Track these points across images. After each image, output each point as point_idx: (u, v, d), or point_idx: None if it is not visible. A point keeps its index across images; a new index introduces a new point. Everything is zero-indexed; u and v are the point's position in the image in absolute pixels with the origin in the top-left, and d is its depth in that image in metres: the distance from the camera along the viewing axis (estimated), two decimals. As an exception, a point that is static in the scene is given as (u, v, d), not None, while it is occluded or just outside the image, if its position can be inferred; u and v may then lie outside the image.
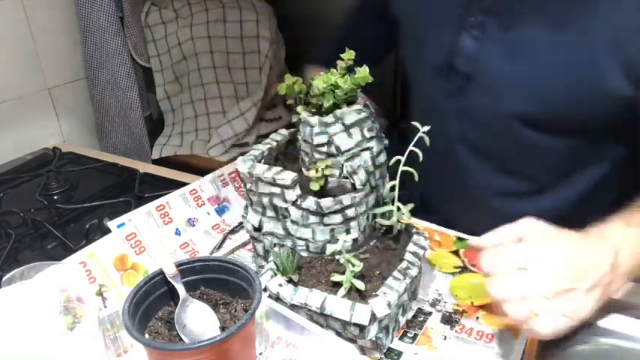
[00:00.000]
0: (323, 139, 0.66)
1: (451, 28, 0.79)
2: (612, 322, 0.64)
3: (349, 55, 0.67)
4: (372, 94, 0.79)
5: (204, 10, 1.47)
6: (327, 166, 0.65)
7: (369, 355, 0.63)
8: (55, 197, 1.06)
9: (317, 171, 0.65)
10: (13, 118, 1.24)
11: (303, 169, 0.72)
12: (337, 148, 0.66)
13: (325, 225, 0.66)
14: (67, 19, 1.31)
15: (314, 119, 0.66)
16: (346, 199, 0.65)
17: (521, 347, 0.63)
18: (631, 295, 0.66)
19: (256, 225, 0.71)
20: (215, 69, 1.51)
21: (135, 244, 0.77)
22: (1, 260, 0.83)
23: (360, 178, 0.66)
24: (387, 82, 1.49)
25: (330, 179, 0.68)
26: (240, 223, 0.89)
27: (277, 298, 0.64)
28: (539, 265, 0.55)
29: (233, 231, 0.89)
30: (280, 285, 0.63)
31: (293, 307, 0.63)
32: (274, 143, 0.76)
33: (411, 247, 0.67)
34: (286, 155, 0.79)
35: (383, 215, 0.71)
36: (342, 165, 0.67)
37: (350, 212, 0.66)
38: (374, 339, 0.61)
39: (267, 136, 0.80)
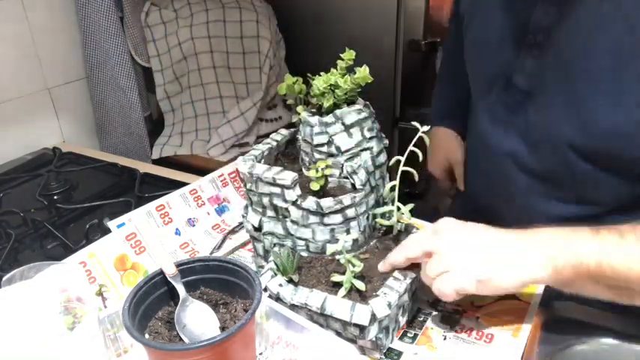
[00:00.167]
0: (323, 139, 0.66)
1: (512, 43, 0.76)
2: (612, 322, 0.64)
3: (349, 55, 0.67)
4: (372, 94, 0.78)
5: (204, 10, 1.47)
6: (327, 166, 0.65)
7: (369, 355, 0.63)
8: (55, 197, 1.06)
9: (317, 171, 0.65)
10: (13, 118, 1.24)
11: (303, 169, 0.72)
12: (337, 148, 0.66)
13: (325, 225, 0.66)
14: (67, 19, 1.31)
15: (314, 119, 0.66)
16: (346, 199, 0.65)
17: (521, 347, 0.63)
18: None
19: (256, 225, 0.71)
20: (215, 69, 1.51)
21: (135, 244, 0.77)
22: (1, 260, 0.83)
23: (360, 178, 0.66)
24: (387, 82, 1.49)
25: (330, 179, 0.68)
26: (240, 223, 0.89)
27: (277, 298, 0.64)
28: (448, 247, 0.62)
29: (233, 231, 0.89)
30: (280, 285, 0.63)
31: (293, 307, 0.63)
32: (274, 143, 0.76)
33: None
34: (286, 155, 0.79)
35: (383, 215, 0.71)
36: (342, 165, 0.67)
37: (350, 212, 0.66)
38: (374, 339, 0.61)
39: (267, 136, 0.80)
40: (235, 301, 0.62)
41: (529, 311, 0.69)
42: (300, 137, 0.71)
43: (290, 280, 0.65)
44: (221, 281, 0.63)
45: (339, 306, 0.59)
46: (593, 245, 0.57)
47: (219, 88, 1.53)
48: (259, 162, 0.71)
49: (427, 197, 1.50)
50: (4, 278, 0.59)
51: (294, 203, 0.66)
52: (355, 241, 0.68)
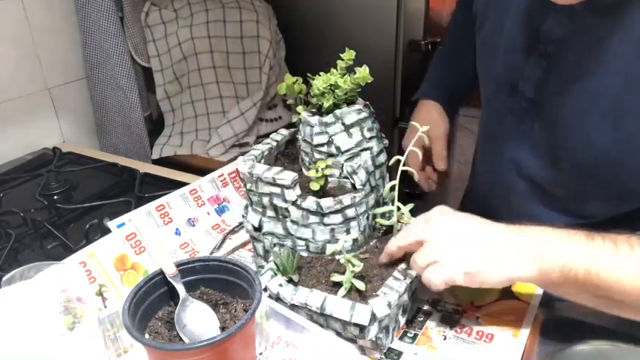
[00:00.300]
0: (323, 139, 0.66)
1: (521, 50, 0.75)
2: (612, 322, 0.64)
3: (349, 55, 0.67)
4: (372, 94, 0.78)
5: (204, 10, 1.47)
6: (327, 166, 0.65)
7: (369, 355, 0.63)
8: (55, 197, 1.06)
9: (317, 171, 0.65)
10: (13, 118, 1.24)
11: (303, 169, 0.72)
12: (337, 148, 0.66)
13: (325, 225, 0.66)
14: (67, 19, 1.31)
15: (314, 119, 0.66)
16: (346, 199, 0.65)
17: (521, 347, 0.63)
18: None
19: (256, 225, 0.71)
20: (215, 69, 1.51)
21: (135, 244, 0.77)
22: (1, 260, 0.83)
23: (360, 178, 0.66)
24: (387, 82, 1.49)
25: (330, 179, 0.68)
26: (240, 223, 0.89)
27: (277, 298, 0.64)
28: (440, 235, 0.62)
29: (233, 231, 0.89)
30: (280, 285, 0.63)
31: (293, 307, 0.63)
32: (274, 143, 0.76)
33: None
34: (286, 155, 0.79)
35: (383, 215, 0.71)
36: (342, 165, 0.67)
37: (350, 212, 0.66)
38: (374, 339, 0.61)
39: (267, 136, 0.80)
40: (235, 301, 0.62)
41: (529, 311, 0.69)
42: (300, 137, 0.71)
43: (290, 280, 0.65)
44: (221, 281, 0.63)
45: (338, 306, 0.59)
46: (584, 252, 0.57)
47: (219, 88, 1.53)
48: (259, 162, 0.71)
49: (427, 197, 1.50)
50: (4, 278, 0.59)
51: (294, 203, 0.66)
52: (355, 241, 0.68)
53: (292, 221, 0.67)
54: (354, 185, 0.67)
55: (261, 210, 0.70)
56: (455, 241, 0.61)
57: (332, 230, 0.67)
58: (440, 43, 1.48)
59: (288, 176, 0.65)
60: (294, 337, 0.61)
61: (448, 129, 1.00)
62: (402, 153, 0.65)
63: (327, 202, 0.64)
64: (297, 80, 0.71)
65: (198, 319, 0.60)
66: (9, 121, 1.24)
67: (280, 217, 0.69)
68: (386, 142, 0.72)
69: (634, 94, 0.62)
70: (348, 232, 0.67)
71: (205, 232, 0.87)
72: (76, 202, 1.04)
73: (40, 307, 0.56)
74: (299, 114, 0.70)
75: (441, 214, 0.64)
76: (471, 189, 1.04)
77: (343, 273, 0.62)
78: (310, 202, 0.65)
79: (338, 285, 0.63)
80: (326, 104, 0.66)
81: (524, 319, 0.68)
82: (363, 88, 0.68)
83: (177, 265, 0.62)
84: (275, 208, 0.68)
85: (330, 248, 0.65)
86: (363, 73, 0.66)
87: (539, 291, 0.71)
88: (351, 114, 0.67)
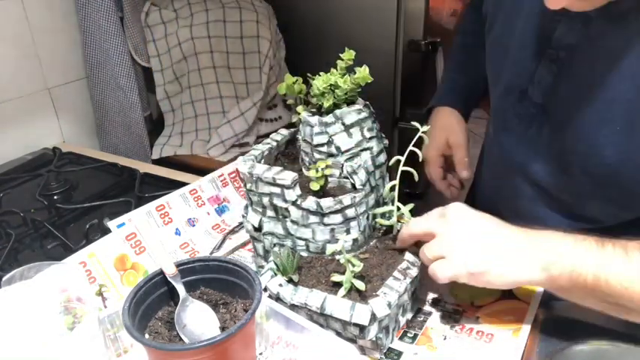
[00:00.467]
0: (323, 139, 0.66)
1: (531, 54, 0.74)
2: (612, 322, 0.64)
3: (349, 55, 0.67)
4: (372, 94, 0.78)
5: (204, 10, 1.47)
6: (327, 166, 0.65)
7: (369, 355, 0.63)
8: (55, 197, 1.06)
9: (317, 171, 0.65)
10: (13, 118, 1.24)
11: (303, 169, 0.72)
12: (337, 148, 0.66)
13: (325, 225, 0.66)
14: (67, 19, 1.31)
15: (314, 119, 0.66)
16: (346, 199, 0.65)
17: (521, 347, 0.63)
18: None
19: (256, 225, 0.71)
20: (215, 69, 1.51)
21: (135, 244, 0.77)
22: (1, 260, 0.83)
23: (360, 178, 0.66)
24: (387, 82, 1.49)
25: (330, 179, 0.68)
26: (240, 223, 0.89)
27: (277, 298, 0.64)
28: (452, 233, 0.63)
29: (233, 231, 0.89)
30: (280, 285, 0.63)
31: (293, 307, 0.63)
32: (274, 143, 0.76)
33: (411, 247, 0.67)
34: (286, 155, 0.79)
35: (383, 215, 0.71)
36: (342, 165, 0.67)
37: (350, 212, 0.66)
38: (374, 339, 0.61)
39: (267, 136, 0.80)
40: (235, 301, 0.62)
41: (529, 311, 0.69)
42: (300, 137, 0.71)
43: (290, 280, 0.65)
44: (221, 281, 0.63)
45: (338, 306, 0.59)
46: (594, 257, 0.57)
47: (219, 88, 1.53)
48: (259, 162, 0.71)
49: (427, 197, 1.50)
50: (4, 278, 0.59)
51: (294, 203, 0.66)
52: (355, 241, 0.68)
53: (292, 221, 0.67)
54: (354, 185, 0.67)
55: (261, 210, 0.70)
56: (466, 239, 0.61)
57: (332, 230, 0.67)
58: (440, 43, 1.48)
59: (288, 176, 0.65)
60: (294, 337, 0.61)
61: (468, 135, 0.99)
62: (402, 154, 0.65)
63: (327, 202, 0.64)
64: (297, 80, 0.71)
65: (198, 319, 0.60)
66: (9, 121, 1.24)
67: (280, 217, 0.69)
68: (386, 142, 0.72)
69: None
70: (348, 232, 0.67)
71: (205, 232, 0.87)
72: (76, 202, 1.04)
73: (40, 307, 0.56)
74: (299, 114, 0.70)
75: (458, 211, 0.64)
76: (476, 190, 1.03)
77: (343, 273, 0.62)
78: (310, 202, 0.65)
79: (338, 285, 0.63)
80: (326, 104, 0.66)
81: (524, 318, 0.68)
82: (363, 88, 0.68)
83: (177, 265, 0.62)
84: (275, 208, 0.68)
85: (330, 248, 0.65)
86: (363, 73, 0.66)
87: (539, 291, 0.71)
88: (351, 114, 0.67)
